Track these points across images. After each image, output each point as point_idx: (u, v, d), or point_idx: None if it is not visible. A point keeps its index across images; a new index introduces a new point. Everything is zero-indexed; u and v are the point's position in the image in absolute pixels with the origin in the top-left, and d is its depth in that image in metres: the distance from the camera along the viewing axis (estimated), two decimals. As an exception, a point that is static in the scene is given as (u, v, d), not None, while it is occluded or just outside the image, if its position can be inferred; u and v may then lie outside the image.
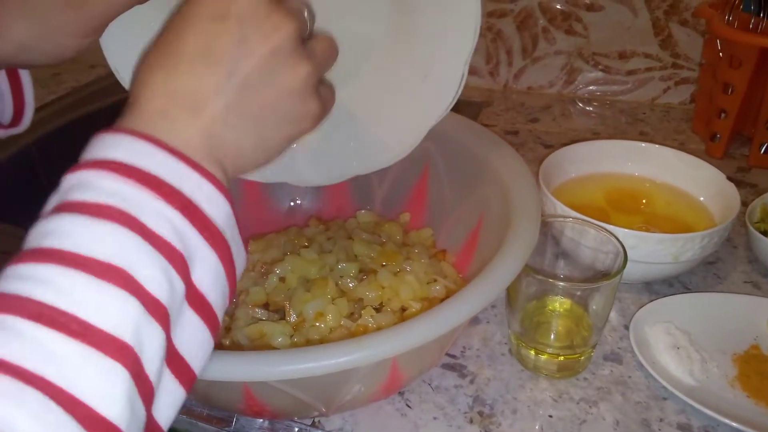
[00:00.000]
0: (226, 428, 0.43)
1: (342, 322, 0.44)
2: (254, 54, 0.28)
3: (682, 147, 0.73)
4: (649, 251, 0.47)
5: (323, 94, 0.32)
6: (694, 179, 0.56)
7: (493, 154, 0.49)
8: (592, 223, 0.45)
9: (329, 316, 0.43)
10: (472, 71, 0.90)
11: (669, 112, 0.82)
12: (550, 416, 0.42)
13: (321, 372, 0.31)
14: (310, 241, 0.53)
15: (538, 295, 0.44)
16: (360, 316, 0.44)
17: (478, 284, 0.36)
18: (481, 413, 0.42)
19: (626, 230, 0.47)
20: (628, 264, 0.47)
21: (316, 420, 0.42)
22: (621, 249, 0.42)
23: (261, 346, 0.42)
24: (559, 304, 0.45)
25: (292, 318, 0.43)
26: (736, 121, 0.69)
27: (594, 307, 0.43)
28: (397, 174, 0.57)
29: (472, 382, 0.45)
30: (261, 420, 0.43)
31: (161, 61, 0.28)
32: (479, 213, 0.49)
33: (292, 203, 0.60)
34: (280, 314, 0.45)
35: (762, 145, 0.68)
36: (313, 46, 0.31)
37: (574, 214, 0.48)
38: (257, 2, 0.28)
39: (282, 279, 0.47)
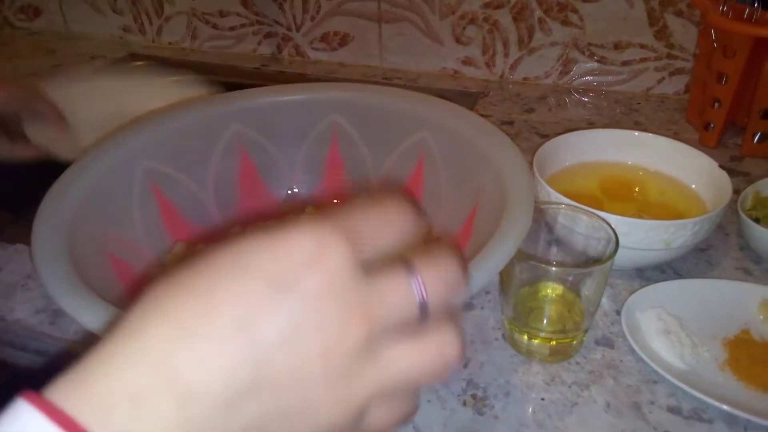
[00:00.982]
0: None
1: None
2: (298, 355, 0.19)
3: (676, 137, 0.74)
4: (641, 238, 0.48)
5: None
6: (686, 167, 0.57)
7: (488, 142, 0.50)
8: (585, 210, 0.46)
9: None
10: (469, 62, 0.90)
11: (663, 102, 0.83)
12: (542, 399, 0.43)
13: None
14: None
15: (531, 281, 0.45)
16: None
17: (470, 269, 0.37)
18: (474, 396, 0.43)
19: (618, 217, 0.47)
20: (620, 250, 0.48)
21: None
22: (613, 235, 0.43)
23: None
24: (551, 289, 0.46)
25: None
26: (729, 110, 0.69)
27: (586, 292, 0.44)
28: (393, 163, 0.58)
29: (465, 366, 0.45)
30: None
31: (173, 311, 0.19)
32: (474, 201, 0.50)
33: (289, 191, 0.61)
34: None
35: (755, 134, 0.69)
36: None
37: (567, 201, 0.48)
38: (345, 281, 0.20)
39: None
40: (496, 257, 0.37)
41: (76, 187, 0.46)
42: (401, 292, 0.21)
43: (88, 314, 0.34)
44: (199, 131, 0.55)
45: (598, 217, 0.45)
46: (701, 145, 0.72)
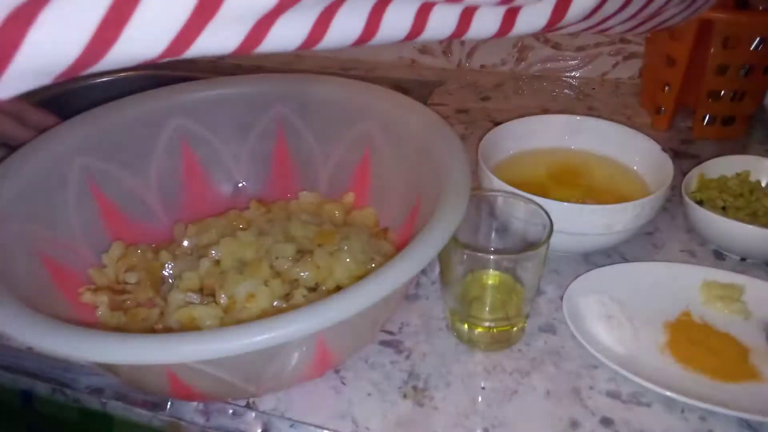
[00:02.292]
0: (161, 413, 0.43)
1: (275, 303, 0.44)
2: None
3: (629, 121, 0.74)
4: (583, 222, 0.48)
5: None
6: (631, 151, 0.57)
7: (428, 131, 0.49)
8: (523, 197, 0.46)
9: (260, 297, 0.43)
10: (427, 51, 0.90)
11: (618, 87, 0.83)
12: (483, 388, 0.43)
13: (232, 352, 0.31)
14: (249, 224, 0.52)
15: (471, 270, 0.45)
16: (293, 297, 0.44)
17: (401, 259, 0.36)
18: (415, 388, 0.43)
19: (559, 203, 0.47)
20: (563, 236, 0.48)
21: (250, 401, 0.42)
22: (548, 220, 0.43)
23: (192, 330, 0.42)
24: (492, 277, 0.45)
25: (223, 300, 0.43)
26: (679, 94, 0.69)
27: (525, 278, 0.43)
28: (341, 155, 0.57)
29: (408, 357, 0.45)
30: (195, 403, 0.43)
31: None
32: (418, 191, 0.49)
33: (237, 186, 0.60)
34: (215, 298, 0.45)
35: (704, 116, 0.69)
36: None
37: (506, 187, 0.48)
38: None
39: (217, 262, 0.47)
40: (424, 247, 0.37)
41: (4, 186, 0.44)
42: None
43: (1, 316, 0.33)
44: (138, 126, 0.54)
45: (534, 203, 0.44)
46: (654, 128, 0.73)
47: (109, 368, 0.38)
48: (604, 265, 0.51)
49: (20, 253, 0.43)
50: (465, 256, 0.42)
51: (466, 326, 0.45)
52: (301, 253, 0.48)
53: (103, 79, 0.95)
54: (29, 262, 0.43)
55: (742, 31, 0.63)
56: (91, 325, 0.42)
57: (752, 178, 0.57)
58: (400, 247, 0.51)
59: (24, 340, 0.31)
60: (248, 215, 0.54)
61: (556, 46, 0.84)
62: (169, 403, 0.43)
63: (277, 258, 0.46)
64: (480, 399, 0.42)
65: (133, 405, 0.44)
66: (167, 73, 0.94)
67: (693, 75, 0.68)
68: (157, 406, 0.43)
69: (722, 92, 0.67)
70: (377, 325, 0.42)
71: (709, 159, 0.58)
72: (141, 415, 0.44)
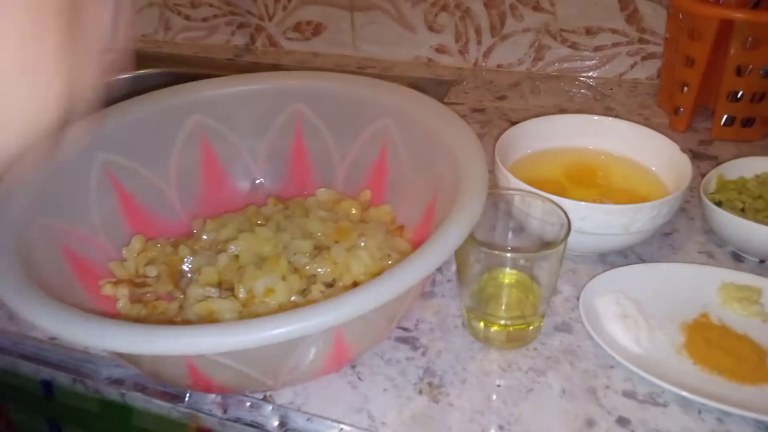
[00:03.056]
0: (179, 404, 0.44)
1: (293, 298, 0.44)
2: None
3: (647, 122, 0.74)
4: (600, 222, 0.48)
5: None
6: (649, 152, 0.57)
7: (446, 129, 0.49)
8: (540, 195, 0.46)
9: (278, 292, 0.43)
10: (443, 50, 0.90)
11: (636, 87, 0.83)
12: (498, 385, 0.43)
13: (254, 344, 0.31)
14: (267, 220, 0.53)
15: (487, 268, 0.45)
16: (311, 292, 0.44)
17: (418, 255, 0.36)
18: (430, 384, 0.43)
19: (576, 202, 0.47)
20: (581, 236, 0.48)
21: (267, 394, 0.43)
22: (566, 219, 0.43)
23: (211, 323, 0.42)
24: (508, 276, 0.45)
25: (242, 294, 0.43)
26: (698, 94, 0.69)
27: (541, 277, 0.43)
28: (357, 152, 0.58)
29: (423, 354, 0.45)
30: (213, 395, 0.43)
31: None
32: (434, 189, 0.50)
33: (255, 182, 0.61)
34: (233, 293, 0.45)
35: (723, 117, 0.68)
36: None
37: (523, 186, 0.48)
38: None
39: (235, 257, 0.48)
40: (442, 245, 0.37)
41: (30, 180, 0.45)
42: None
43: (26, 306, 0.33)
44: (158, 122, 0.55)
45: (552, 202, 0.44)
46: (671, 129, 0.72)
47: (131, 359, 0.38)
48: (621, 266, 0.51)
49: (43, 246, 0.43)
50: (482, 254, 0.42)
51: (482, 324, 0.45)
52: (319, 249, 0.48)
53: (121, 77, 0.96)
54: (52, 255, 0.44)
55: (763, 31, 0.62)
56: (112, 317, 0.43)
57: (772, 180, 0.56)
58: (415, 245, 0.51)
59: (52, 331, 0.32)
60: (266, 211, 0.54)
61: (573, 46, 0.84)
62: (187, 395, 0.43)
63: (295, 254, 0.47)
64: (495, 396, 0.42)
65: (152, 396, 0.44)
66: (185, 70, 0.95)
67: (712, 75, 0.67)
68: (175, 397, 0.44)
69: (741, 93, 0.66)
70: (394, 320, 0.43)
71: (727, 160, 0.58)
72: (160, 406, 0.44)
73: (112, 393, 0.46)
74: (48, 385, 0.49)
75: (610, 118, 0.59)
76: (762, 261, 0.52)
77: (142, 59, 0.98)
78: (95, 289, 0.47)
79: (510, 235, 0.48)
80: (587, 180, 0.57)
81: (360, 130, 0.56)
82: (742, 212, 0.53)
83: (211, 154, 0.58)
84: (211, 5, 0.98)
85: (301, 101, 0.57)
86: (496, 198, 0.47)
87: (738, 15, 0.61)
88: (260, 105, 0.58)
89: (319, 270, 0.46)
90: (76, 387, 0.47)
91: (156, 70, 0.95)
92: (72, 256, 0.46)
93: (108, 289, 0.47)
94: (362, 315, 0.33)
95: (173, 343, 0.31)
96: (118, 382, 0.46)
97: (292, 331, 0.31)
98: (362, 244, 0.48)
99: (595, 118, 0.59)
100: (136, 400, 0.45)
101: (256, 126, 0.59)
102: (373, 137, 0.56)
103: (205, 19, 1.00)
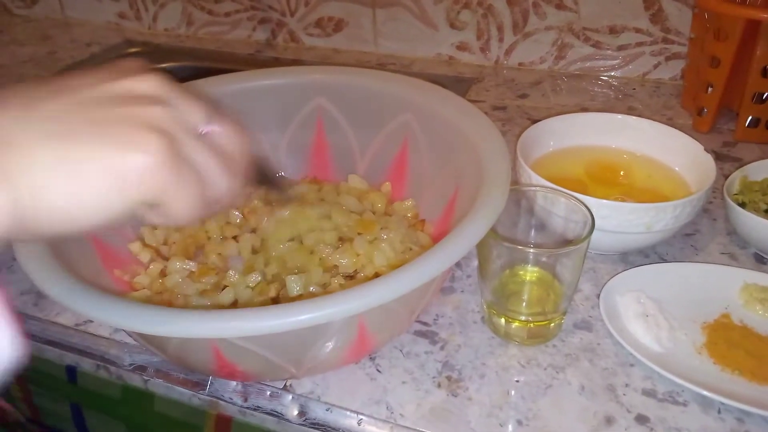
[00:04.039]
0: (201, 391, 0.44)
1: (312, 289, 0.45)
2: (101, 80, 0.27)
3: (670, 122, 0.73)
4: (622, 221, 0.48)
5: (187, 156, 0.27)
6: (672, 151, 0.56)
7: (468, 124, 0.49)
8: (563, 193, 0.46)
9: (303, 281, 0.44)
10: (464, 48, 0.90)
11: (659, 87, 0.82)
12: (517, 381, 0.43)
13: (280, 329, 0.31)
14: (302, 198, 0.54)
15: (509, 264, 0.45)
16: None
17: (440, 247, 0.37)
18: (449, 378, 0.43)
19: (599, 200, 0.47)
20: (603, 234, 0.48)
21: (288, 383, 0.43)
22: (589, 216, 0.43)
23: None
24: (530, 272, 0.45)
25: (272, 293, 0.45)
26: (723, 95, 0.68)
27: (563, 274, 0.43)
28: (378, 146, 0.58)
29: (442, 348, 0.45)
30: (234, 383, 0.44)
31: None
32: (455, 183, 0.50)
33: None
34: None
35: (747, 119, 0.68)
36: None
37: (546, 183, 0.48)
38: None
39: (262, 241, 0.49)
40: (464, 237, 0.37)
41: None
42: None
43: (56, 288, 0.34)
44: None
45: (576, 199, 0.44)
46: (695, 130, 0.72)
47: (158, 344, 0.39)
48: (642, 265, 0.50)
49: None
50: (504, 250, 0.42)
51: (503, 320, 0.45)
52: (342, 241, 0.49)
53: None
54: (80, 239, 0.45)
55: (791, 32, 0.61)
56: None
57: (797, 182, 0.56)
58: (436, 239, 0.51)
59: (88, 315, 0.33)
60: (300, 189, 0.56)
61: (596, 45, 0.83)
62: (209, 382, 0.44)
63: (319, 245, 0.47)
64: (514, 392, 0.42)
65: (174, 383, 0.45)
66: (208, 65, 0.96)
67: (737, 76, 0.67)
68: (197, 385, 0.44)
69: (767, 95, 0.66)
70: (414, 313, 0.43)
71: (751, 162, 0.57)
72: (182, 393, 0.45)
73: (135, 379, 0.47)
74: (72, 371, 0.50)
75: (633, 117, 0.59)
76: (785, 263, 0.52)
77: (164, 53, 0.99)
78: (112, 274, 0.48)
79: (532, 232, 0.48)
80: (609, 179, 0.57)
81: (382, 124, 0.57)
82: (766, 214, 0.53)
83: (234, 146, 0.59)
84: (233, 0, 0.99)
85: (323, 96, 0.58)
86: (518, 195, 0.47)
87: (765, 15, 0.60)
88: (283, 99, 0.58)
89: (342, 261, 0.46)
90: (100, 373, 0.48)
91: (178, 64, 0.96)
92: (97, 242, 0.47)
93: (136, 247, 0.50)
94: (385, 304, 0.33)
95: (202, 326, 0.31)
96: (141, 369, 0.46)
97: (318, 317, 0.31)
98: (385, 236, 0.48)
99: (618, 116, 0.59)
100: (159, 386, 0.46)
101: (278, 120, 0.59)
102: (395, 132, 0.56)
103: (227, 14, 1.00)
